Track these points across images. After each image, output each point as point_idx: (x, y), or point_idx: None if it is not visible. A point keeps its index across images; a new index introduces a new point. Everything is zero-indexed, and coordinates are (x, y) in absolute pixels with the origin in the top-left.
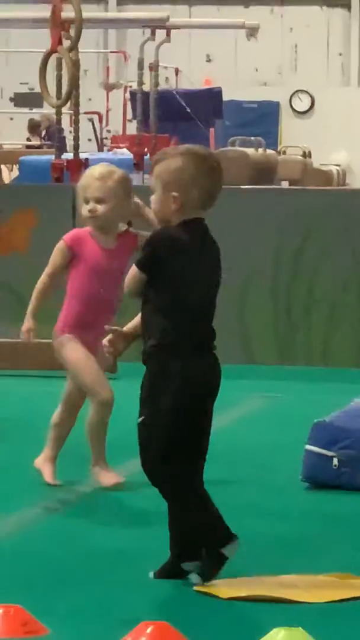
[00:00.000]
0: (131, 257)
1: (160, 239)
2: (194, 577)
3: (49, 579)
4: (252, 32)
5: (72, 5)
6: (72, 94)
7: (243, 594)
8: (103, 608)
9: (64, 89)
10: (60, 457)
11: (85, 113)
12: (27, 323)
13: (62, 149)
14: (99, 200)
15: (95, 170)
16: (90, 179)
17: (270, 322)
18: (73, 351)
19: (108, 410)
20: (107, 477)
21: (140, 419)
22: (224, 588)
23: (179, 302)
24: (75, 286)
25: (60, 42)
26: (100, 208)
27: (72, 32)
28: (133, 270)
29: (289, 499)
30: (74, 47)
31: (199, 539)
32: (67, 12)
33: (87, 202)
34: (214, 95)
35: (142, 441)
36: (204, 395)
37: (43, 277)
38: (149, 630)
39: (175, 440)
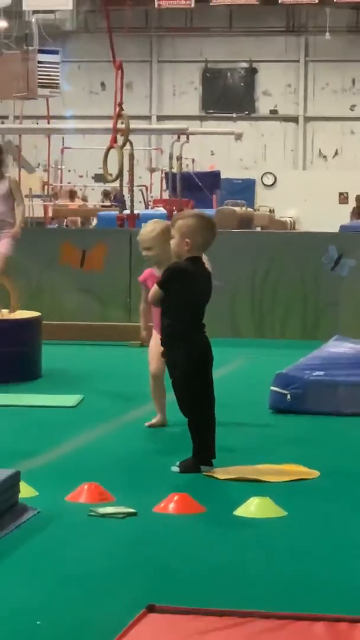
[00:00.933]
0: None
1: (174, 269)
2: (174, 468)
3: (116, 466)
4: (238, 136)
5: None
6: (127, 173)
7: (233, 476)
8: (147, 484)
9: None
10: None
11: (137, 186)
12: (142, 333)
13: (123, 207)
14: (147, 249)
15: (144, 228)
16: (142, 234)
17: (249, 310)
18: (153, 341)
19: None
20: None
21: (172, 379)
22: (220, 473)
23: (185, 306)
24: None
25: (115, 142)
26: (149, 253)
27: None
28: (155, 288)
29: (259, 418)
30: (123, 146)
31: (201, 451)
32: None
33: (143, 250)
34: (215, 175)
35: (176, 391)
36: (204, 359)
37: (141, 303)
38: (176, 498)
39: (193, 388)
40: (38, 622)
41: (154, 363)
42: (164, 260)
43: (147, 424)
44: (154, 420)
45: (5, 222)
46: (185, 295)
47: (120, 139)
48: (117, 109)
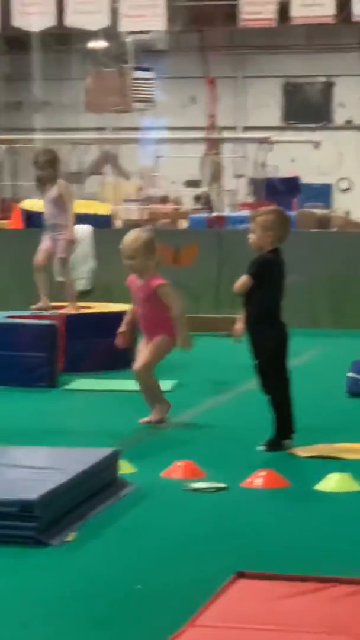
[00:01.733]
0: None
1: (263, 261)
2: (259, 447)
3: (207, 444)
4: (316, 145)
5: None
6: (217, 179)
7: (313, 454)
8: (235, 461)
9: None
10: None
11: (225, 190)
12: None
13: (212, 210)
14: (130, 257)
15: (127, 238)
16: (125, 243)
17: (327, 302)
18: (142, 344)
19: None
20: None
21: (257, 362)
22: (302, 451)
23: (271, 294)
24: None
25: (209, 150)
26: (132, 262)
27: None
28: (244, 279)
29: (337, 402)
30: (216, 153)
31: (282, 426)
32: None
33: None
34: (295, 180)
35: (260, 373)
36: (285, 342)
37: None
38: (262, 474)
39: (277, 368)
40: (138, 586)
41: (139, 361)
42: (144, 269)
43: (141, 420)
44: (148, 417)
45: (58, 225)
46: (271, 284)
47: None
48: (210, 120)
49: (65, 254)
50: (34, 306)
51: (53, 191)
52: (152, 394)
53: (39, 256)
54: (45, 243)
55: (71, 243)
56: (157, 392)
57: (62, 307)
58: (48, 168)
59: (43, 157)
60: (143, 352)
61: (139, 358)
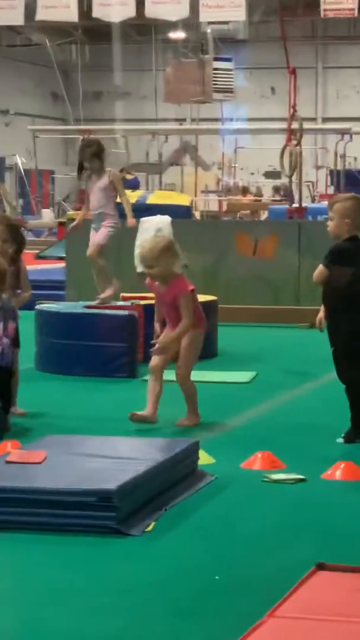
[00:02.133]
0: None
1: (339, 250)
2: (339, 439)
3: (286, 436)
4: None
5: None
6: (296, 171)
7: None
8: (315, 453)
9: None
10: None
11: (305, 182)
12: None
13: (292, 201)
14: (150, 267)
15: (144, 247)
16: (143, 253)
17: None
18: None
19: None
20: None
21: (334, 349)
22: None
23: (349, 282)
24: None
25: (289, 141)
26: (152, 271)
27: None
28: (320, 268)
29: None
30: (297, 144)
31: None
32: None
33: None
34: None
35: (336, 360)
36: None
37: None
38: (342, 466)
39: (352, 354)
40: (217, 577)
41: (155, 359)
42: (167, 276)
43: (132, 416)
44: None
45: (105, 214)
46: (348, 272)
47: (294, 138)
48: (292, 110)
49: (105, 241)
50: (102, 295)
51: (102, 181)
52: (191, 400)
53: (91, 249)
54: (94, 235)
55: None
56: (195, 398)
57: (141, 298)
58: (95, 159)
59: (89, 149)
60: (181, 355)
61: (180, 363)
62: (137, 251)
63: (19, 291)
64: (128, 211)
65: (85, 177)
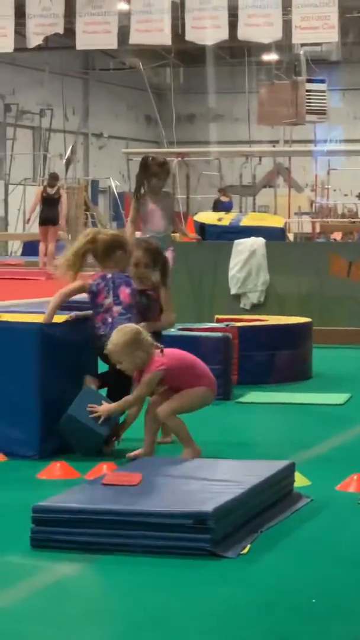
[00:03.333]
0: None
1: None
2: None
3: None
4: None
5: None
6: None
7: None
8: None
9: None
10: None
11: None
12: None
13: None
14: (118, 362)
15: (110, 340)
16: (109, 349)
17: None
18: None
19: None
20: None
21: None
22: None
23: None
24: None
25: None
26: (121, 367)
27: None
28: None
29: None
30: None
31: None
32: None
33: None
34: None
35: None
36: None
37: None
38: None
39: None
40: (313, 600)
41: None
42: (138, 366)
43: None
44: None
45: (168, 238)
46: None
47: None
48: None
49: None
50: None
51: (167, 202)
52: (180, 435)
53: None
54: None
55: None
56: (183, 432)
57: (236, 320)
58: (166, 179)
59: (163, 168)
60: (174, 396)
61: (167, 402)
62: (230, 273)
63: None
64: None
65: (144, 195)
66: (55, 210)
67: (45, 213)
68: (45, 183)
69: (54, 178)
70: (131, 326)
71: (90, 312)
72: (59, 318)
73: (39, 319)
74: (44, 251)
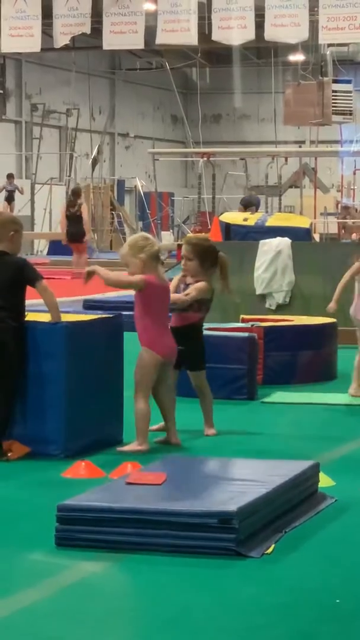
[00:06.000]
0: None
1: None
2: None
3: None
4: None
5: None
6: None
7: None
8: None
9: None
10: None
11: None
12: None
13: None
14: (125, 266)
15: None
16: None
17: None
18: None
19: None
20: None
21: None
22: None
23: None
24: None
25: None
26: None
27: None
28: None
29: None
30: None
31: None
32: None
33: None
34: None
35: None
36: None
37: None
38: None
39: None
40: (337, 601)
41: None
42: (137, 271)
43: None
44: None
45: None
46: None
47: None
48: None
49: None
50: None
51: None
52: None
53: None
54: None
55: None
56: (141, 422)
57: (262, 320)
58: None
59: None
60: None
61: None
62: (256, 274)
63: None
64: None
65: None
66: (80, 227)
67: (71, 230)
68: (66, 201)
69: (75, 194)
70: (141, 233)
71: (118, 312)
72: (85, 317)
73: (66, 318)
74: (75, 262)
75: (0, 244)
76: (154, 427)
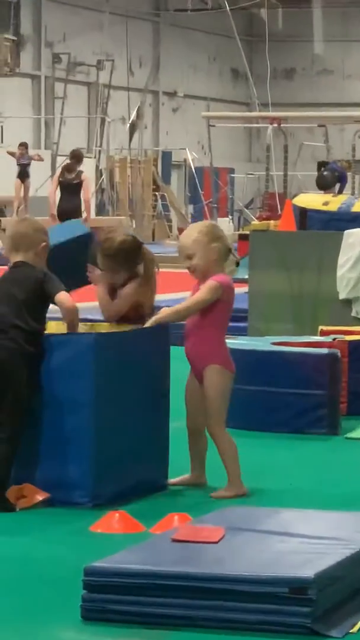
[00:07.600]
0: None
1: None
2: None
3: None
4: None
5: None
6: None
7: None
8: None
9: None
10: None
11: None
12: None
13: None
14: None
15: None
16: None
17: None
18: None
19: None
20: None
21: None
22: None
23: None
24: None
25: None
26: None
27: None
28: None
29: None
30: None
31: None
32: None
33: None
34: None
35: None
36: None
37: None
38: None
39: None
40: None
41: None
42: (208, 263)
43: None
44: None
45: None
46: None
47: None
48: None
49: None
50: None
51: None
52: (228, 462)
53: None
54: None
55: None
56: (233, 460)
57: (345, 332)
58: None
59: None
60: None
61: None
62: (339, 273)
63: None
64: None
65: None
66: (76, 202)
67: (63, 206)
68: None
69: (75, 158)
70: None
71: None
72: (124, 327)
73: (98, 328)
74: None
75: (25, 254)
76: (174, 480)
